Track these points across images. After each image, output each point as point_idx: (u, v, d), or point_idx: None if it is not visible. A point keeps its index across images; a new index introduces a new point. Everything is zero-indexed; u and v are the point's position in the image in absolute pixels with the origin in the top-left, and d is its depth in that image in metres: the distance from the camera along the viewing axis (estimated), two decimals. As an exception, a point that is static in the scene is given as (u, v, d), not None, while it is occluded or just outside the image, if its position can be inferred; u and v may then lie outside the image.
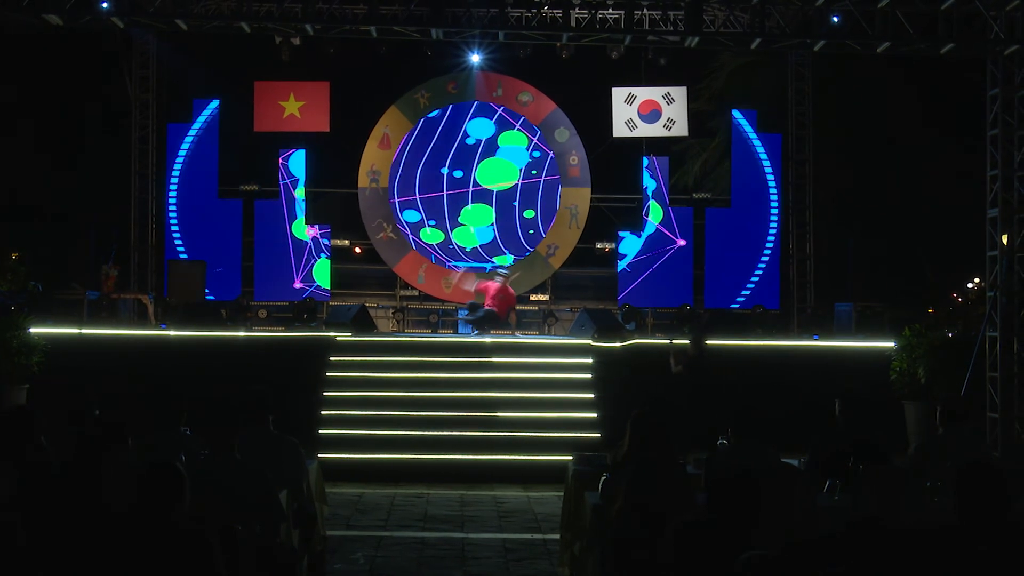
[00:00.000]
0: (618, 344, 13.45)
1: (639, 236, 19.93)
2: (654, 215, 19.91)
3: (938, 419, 7.78)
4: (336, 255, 20.46)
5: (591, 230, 20.60)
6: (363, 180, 20.31)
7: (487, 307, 16.20)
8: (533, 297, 20.83)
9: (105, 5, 13.62)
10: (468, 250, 20.35)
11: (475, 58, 20.17)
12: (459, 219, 20.38)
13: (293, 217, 19.78)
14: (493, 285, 16.46)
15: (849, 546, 4.50)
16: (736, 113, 20.26)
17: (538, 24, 15.01)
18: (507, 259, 20.11)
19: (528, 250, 20.32)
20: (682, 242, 19.80)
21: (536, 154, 20.43)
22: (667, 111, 19.83)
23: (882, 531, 4.57)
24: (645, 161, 20.01)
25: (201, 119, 19.61)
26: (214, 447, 6.17)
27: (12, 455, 5.85)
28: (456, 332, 18.87)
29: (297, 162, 19.91)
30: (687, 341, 12.84)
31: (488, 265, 19.78)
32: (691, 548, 4.58)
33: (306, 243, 19.74)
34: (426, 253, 20.30)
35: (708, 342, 12.86)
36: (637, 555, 5.41)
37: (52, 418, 6.72)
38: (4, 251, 19.12)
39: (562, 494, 8.42)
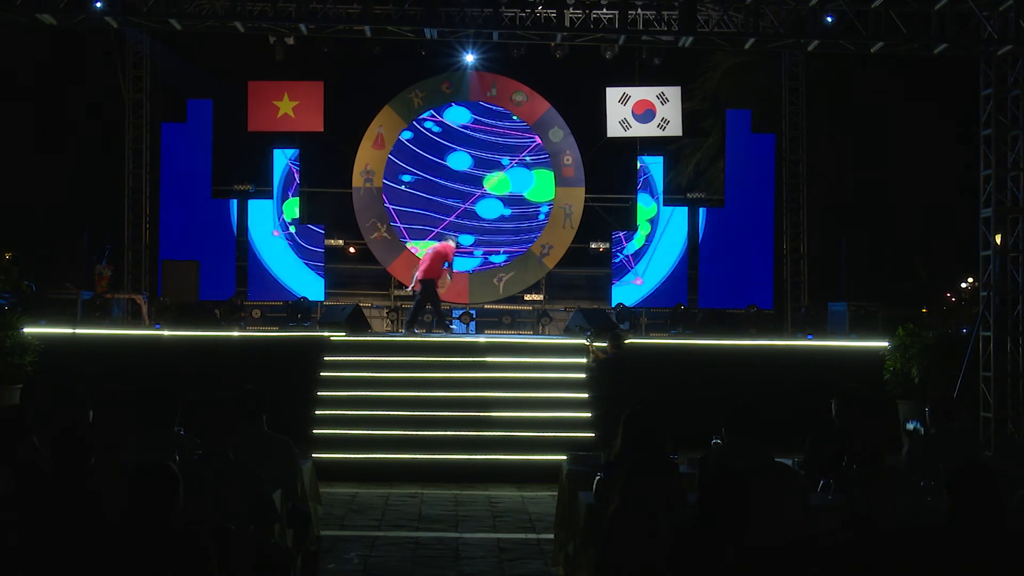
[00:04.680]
0: (607, 344, 13.45)
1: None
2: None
3: (930, 419, 7.79)
4: (330, 255, 20.46)
5: (585, 230, 20.62)
6: (357, 180, 20.30)
7: (419, 278, 16.19)
8: (527, 297, 20.86)
9: (99, 5, 13.58)
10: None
11: (469, 58, 20.18)
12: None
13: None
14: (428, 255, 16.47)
15: (842, 544, 4.51)
16: (730, 113, 20.28)
17: (532, 24, 15.01)
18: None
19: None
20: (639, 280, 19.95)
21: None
22: (661, 111, 19.83)
23: (875, 530, 4.58)
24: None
25: (195, 119, 19.58)
26: (208, 447, 6.17)
27: (5, 455, 5.84)
28: (450, 332, 18.86)
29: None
30: (606, 343, 13.16)
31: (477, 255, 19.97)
32: (684, 548, 4.59)
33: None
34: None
35: (625, 342, 13.23)
36: (631, 555, 5.41)
37: (45, 418, 6.71)
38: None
39: (556, 494, 8.43)
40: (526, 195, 20.55)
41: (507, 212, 20.59)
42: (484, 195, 20.57)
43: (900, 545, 4.57)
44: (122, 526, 4.55)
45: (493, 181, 20.53)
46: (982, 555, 4.47)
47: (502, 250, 20.49)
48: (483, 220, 20.57)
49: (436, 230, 20.28)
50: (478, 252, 20.42)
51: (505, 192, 20.58)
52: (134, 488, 4.56)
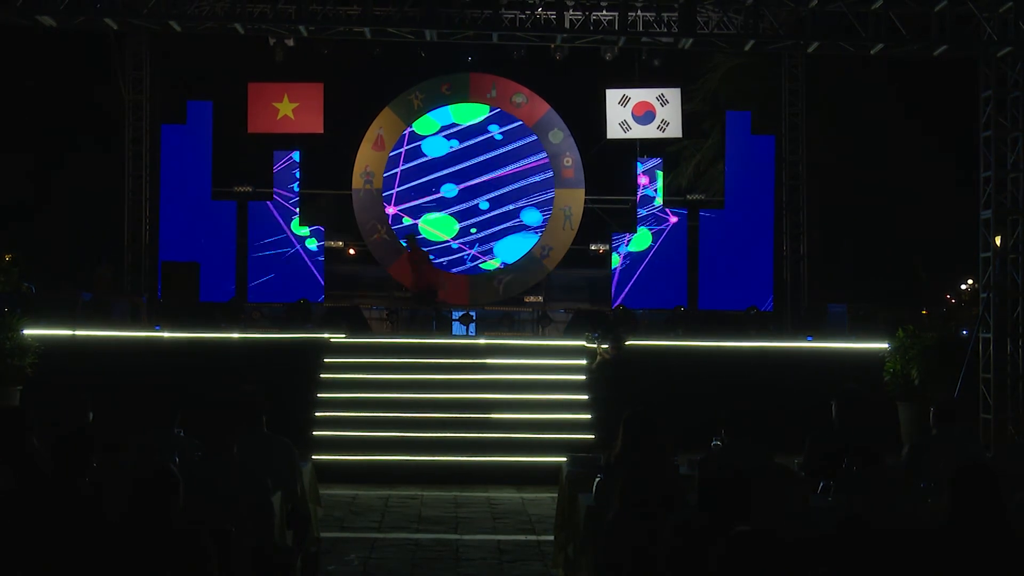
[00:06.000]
0: (608, 345, 13.46)
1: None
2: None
3: (932, 420, 7.78)
4: (330, 256, 20.45)
5: (584, 232, 20.62)
6: (357, 181, 20.31)
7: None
8: (527, 299, 20.85)
9: (98, 6, 13.59)
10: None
11: (469, 59, 20.19)
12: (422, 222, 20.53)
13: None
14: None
15: (838, 546, 4.51)
16: (730, 114, 20.27)
17: (532, 25, 15.00)
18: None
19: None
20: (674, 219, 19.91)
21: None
22: (661, 112, 19.83)
23: (870, 531, 4.58)
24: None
25: (195, 120, 19.56)
26: (208, 448, 6.17)
27: (5, 455, 5.84)
28: (450, 334, 18.86)
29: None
30: (607, 345, 13.09)
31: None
32: (685, 547, 4.59)
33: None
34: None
35: (627, 343, 13.09)
36: (630, 556, 5.42)
37: (45, 420, 6.72)
38: (-3, 252, 19.08)
39: (556, 495, 8.42)
40: (455, 119, 20.61)
41: (455, 143, 20.63)
42: (419, 137, 20.58)
43: (900, 546, 4.57)
44: (122, 526, 4.55)
45: (419, 123, 20.67)
46: (982, 556, 4.47)
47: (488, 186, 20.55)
48: (437, 159, 20.62)
49: (399, 169, 20.41)
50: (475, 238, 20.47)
51: (435, 129, 20.63)
52: (134, 490, 4.56)
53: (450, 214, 20.53)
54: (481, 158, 20.63)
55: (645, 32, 15.46)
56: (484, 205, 20.57)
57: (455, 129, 20.64)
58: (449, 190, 20.47)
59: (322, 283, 19.68)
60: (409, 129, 20.54)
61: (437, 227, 20.41)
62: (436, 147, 20.68)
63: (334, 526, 9.83)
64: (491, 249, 20.49)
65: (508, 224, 20.60)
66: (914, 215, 23.50)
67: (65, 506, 5.03)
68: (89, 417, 7.41)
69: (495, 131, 20.60)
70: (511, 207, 20.52)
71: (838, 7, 13.49)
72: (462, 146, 20.61)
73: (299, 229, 19.73)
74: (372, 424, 12.99)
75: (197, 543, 4.52)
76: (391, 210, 20.38)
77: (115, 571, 4.44)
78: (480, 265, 20.50)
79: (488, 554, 8.96)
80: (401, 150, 20.50)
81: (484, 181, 20.55)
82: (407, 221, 20.40)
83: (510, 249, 20.51)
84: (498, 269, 20.46)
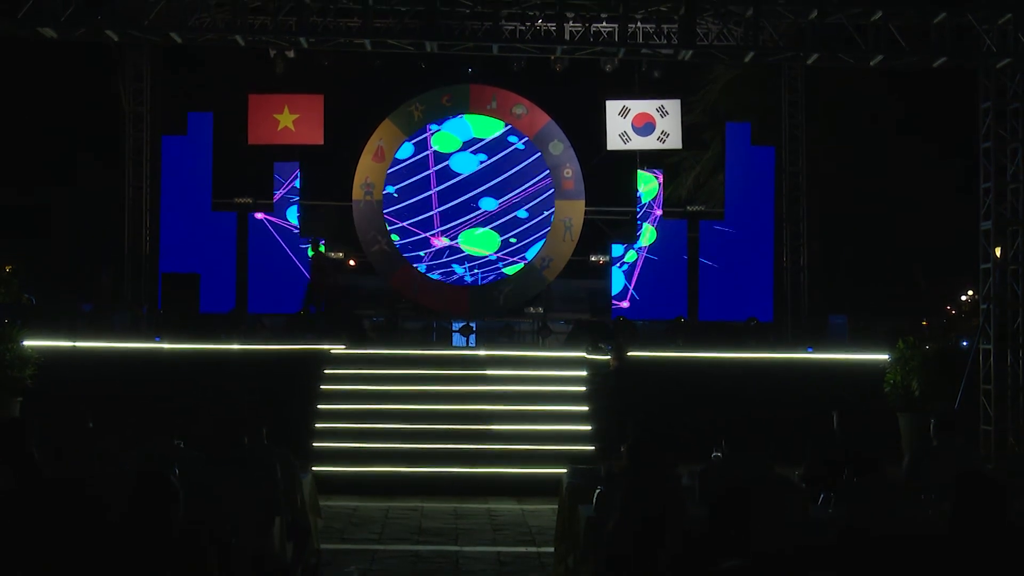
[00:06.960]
0: (609, 356, 13.47)
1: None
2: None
3: (932, 430, 7.78)
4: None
5: (584, 242, 20.63)
6: (357, 193, 20.32)
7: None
8: (527, 310, 20.85)
9: (100, 18, 13.61)
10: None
11: (469, 71, 20.23)
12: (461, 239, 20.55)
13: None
14: None
15: (837, 555, 4.51)
16: (730, 126, 20.30)
17: (532, 37, 15.02)
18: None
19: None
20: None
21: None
22: (661, 124, 19.84)
23: (870, 539, 4.58)
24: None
25: (196, 132, 19.58)
26: (208, 459, 6.18)
27: (6, 457, 5.84)
28: (451, 345, 18.87)
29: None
30: (610, 357, 13.13)
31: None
32: (684, 558, 4.58)
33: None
34: (419, 263, 20.37)
35: (629, 353, 13.24)
36: (632, 567, 5.41)
37: (45, 430, 6.72)
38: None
39: (556, 507, 8.42)
40: (475, 134, 20.63)
41: (483, 156, 20.70)
42: (444, 155, 20.61)
43: (901, 552, 4.57)
44: (122, 527, 4.55)
45: (440, 140, 20.66)
46: (983, 563, 4.46)
47: (526, 195, 20.51)
48: (467, 175, 20.58)
49: (428, 193, 20.45)
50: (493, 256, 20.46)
51: (456, 146, 20.66)
52: (133, 500, 4.56)
53: (491, 228, 20.51)
54: (512, 169, 20.63)
55: (645, 44, 15.49)
56: (523, 214, 20.57)
57: (478, 144, 20.64)
58: (488, 203, 20.49)
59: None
60: (432, 150, 20.55)
61: (479, 244, 20.44)
62: (465, 164, 20.69)
63: (334, 538, 9.82)
64: (524, 253, 20.48)
65: (542, 223, 20.56)
66: (914, 223, 23.51)
67: (65, 507, 5.02)
68: (89, 427, 7.41)
69: (516, 142, 20.60)
70: (546, 212, 20.51)
71: (837, 19, 13.52)
72: (490, 160, 20.62)
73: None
74: (372, 435, 12.99)
75: (197, 543, 4.51)
76: (438, 242, 20.39)
77: (115, 571, 4.44)
78: (504, 269, 20.48)
79: (488, 566, 8.95)
80: (421, 158, 20.50)
81: (519, 190, 20.54)
82: (446, 240, 20.41)
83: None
84: (501, 279, 20.45)
